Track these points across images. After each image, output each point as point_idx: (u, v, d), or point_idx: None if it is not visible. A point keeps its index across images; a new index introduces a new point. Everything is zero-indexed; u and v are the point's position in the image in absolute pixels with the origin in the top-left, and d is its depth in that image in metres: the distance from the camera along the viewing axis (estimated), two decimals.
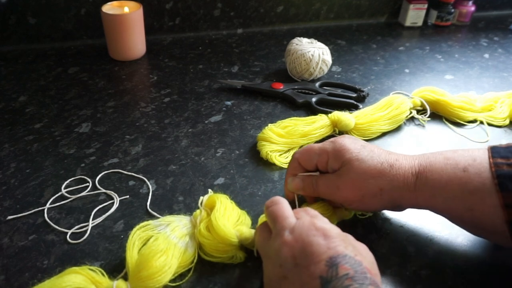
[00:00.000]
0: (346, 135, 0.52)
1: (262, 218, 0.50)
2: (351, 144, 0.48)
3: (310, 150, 0.50)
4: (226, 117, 0.71)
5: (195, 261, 0.46)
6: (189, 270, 0.46)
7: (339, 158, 0.48)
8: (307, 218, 0.41)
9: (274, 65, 0.87)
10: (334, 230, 0.39)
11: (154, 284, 0.42)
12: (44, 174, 0.58)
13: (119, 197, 0.55)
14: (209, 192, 0.53)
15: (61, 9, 0.86)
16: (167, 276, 0.43)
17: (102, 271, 0.44)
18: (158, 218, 0.51)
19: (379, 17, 1.09)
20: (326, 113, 0.68)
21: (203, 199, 0.51)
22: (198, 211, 0.49)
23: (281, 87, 0.76)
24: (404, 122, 0.71)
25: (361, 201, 0.47)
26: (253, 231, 0.47)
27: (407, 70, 0.88)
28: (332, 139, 0.51)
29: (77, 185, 0.56)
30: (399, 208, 0.49)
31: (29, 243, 0.48)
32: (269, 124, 0.66)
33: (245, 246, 0.48)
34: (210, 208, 0.49)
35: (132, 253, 0.44)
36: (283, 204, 0.44)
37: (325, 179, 0.49)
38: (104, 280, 0.43)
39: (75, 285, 0.41)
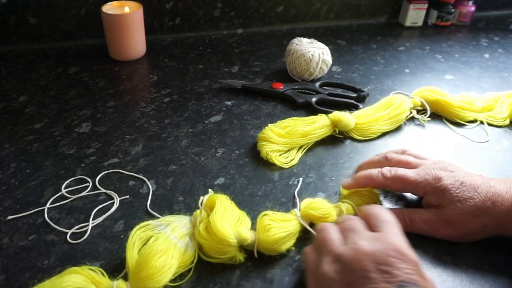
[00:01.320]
0: (437, 161, 0.52)
1: (262, 215, 0.50)
2: (449, 180, 0.48)
3: (405, 180, 0.50)
4: (226, 117, 0.71)
5: (195, 261, 0.46)
6: (189, 270, 0.46)
7: (438, 197, 0.48)
8: (355, 242, 0.40)
9: (274, 65, 0.87)
10: (384, 250, 0.39)
11: (154, 284, 0.42)
12: (44, 174, 0.58)
13: (119, 197, 0.55)
14: (210, 192, 0.53)
15: (61, 9, 0.86)
16: (167, 276, 0.43)
17: (102, 271, 0.44)
18: (158, 218, 0.52)
19: (379, 17, 1.09)
20: (326, 113, 0.68)
21: (203, 199, 0.50)
22: (198, 211, 0.49)
23: (281, 87, 0.76)
24: (404, 122, 0.71)
25: (463, 237, 0.49)
26: (252, 232, 0.47)
27: (407, 70, 0.88)
28: (423, 166, 0.51)
29: (77, 185, 0.56)
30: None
31: (29, 243, 0.48)
32: (269, 124, 0.66)
33: (244, 247, 0.48)
34: (210, 208, 0.49)
35: (132, 253, 0.44)
36: (330, 230, 0.44)
37: (423, 216, 0.49)
38: (104, 280, 0.43)
39: (75, 285, 0.41)
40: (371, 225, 0.43)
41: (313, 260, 0.42)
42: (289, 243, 0.48)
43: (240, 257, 0.47)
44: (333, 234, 0.43)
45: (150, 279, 0.42)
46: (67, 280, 0.41)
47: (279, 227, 0.47)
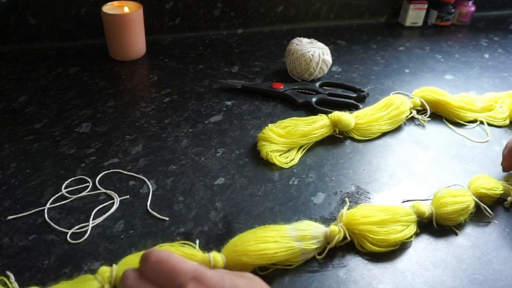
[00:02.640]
0: None
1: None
2: None
3: None
4: (226, 117, 0.71)
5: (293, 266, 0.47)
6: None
7: None
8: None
9: (274, 65, 0.87)
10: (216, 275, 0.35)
11: (247, 260, 0.44)
12: (44, 174, 0.58)
13: (119, 197, 0.55)
14: (346, 203, 0.54)
15: (61, 9, 0.86)
16: (264, 259, 0.45)
17: (194, 245, 0.46)
18: (158, 218, 0.52)
19: (379, 17, 1.09)
20: (326, 113, 0.68)
21: (342, 213, 0.50)
22: (336, 228, 0.49)
23: (281, 87, 0.76)
24: (404, 122, 0.71)
25: None
26: (429, 206, 0.52)
27: (407, 70, 0.88)
28: None
29: (77, 185, 0.56)
30: None
31: (29, 243, 0.48)
32: (269, 124, 0.66)
33: (423, 220, 0.53)
34: (349, 225, 0.49)
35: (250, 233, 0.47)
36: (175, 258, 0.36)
37: None
38: (198, 253, 0.45)
39: None
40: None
41: None
42: (465, 216, 0.52)
43: (416, 230, 0.51)
44: None
45: (245, 254, 0.44)
46: None
47: (455, 201, 0.52)
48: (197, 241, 0.49)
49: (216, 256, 0.44)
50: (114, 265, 0.43)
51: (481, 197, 0.55)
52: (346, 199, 0.56)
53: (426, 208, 0.52)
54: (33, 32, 0.87)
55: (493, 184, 0.56)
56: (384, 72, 0.87)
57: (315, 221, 0.51)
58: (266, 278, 0.46)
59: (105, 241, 0.49)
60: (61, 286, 0.42)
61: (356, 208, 0.52)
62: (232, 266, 0.44)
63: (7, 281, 0.43)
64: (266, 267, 0.46)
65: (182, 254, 0.44)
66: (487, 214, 0.54)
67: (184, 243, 0.47)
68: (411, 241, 0.51)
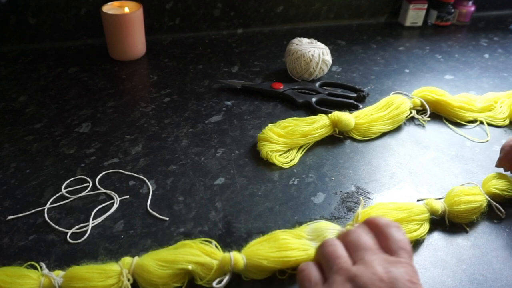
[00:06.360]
0: None
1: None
2: None
3: None
4: (226, 117, 0.71)
5: None
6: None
7: None
8: (370, 264, 0.38)
9: (274, 65, 0.87)
10: (400, 279, 0.37)
11: (268, 265, 0.44)
12: (44, 174, 0.58)
13: (119, 197, 0.55)
14: (361, 202, 0.55)
15: (61, 9, 0.86)
16: (284, 265, 0.45)
17: (216, 242, 0.46)
18: (158, 218, 0.52)
19: (379, 17, 1.09)
20: (326, 113, 0.68)
21: (358, 213, 0.51)
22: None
23: (281, 87, 0.76)
24: (404, 122, 0.71)
25: None
26: (442, 203, 0.52)
27: (407, 70, 0.88)
28: None
29: (77, 185, 0.56)
30: None
31: (29, 243, 0.48)
32: (269, 124, 0.66)
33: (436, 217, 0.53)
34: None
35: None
36: (338, 246, 0.41)
37: None
38: (218, 252, 0.45)
39: (192, 255, 0.43)
40: (384, 243, 0.40)
41: (315, 279, 0.39)
42: (477, 215, 0.53)
43: (428, 227, 0.51)
44: (342, 251, 0.40)
45: (266, 259, 0.44)
46: (184, 252, 0.44)
47: (468, 200, 0.52)
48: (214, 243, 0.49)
49: (237, 256, 0.44)
50: (136, 257, 0.44)
51: (493, 197, 0.55)
52: (361, 197, 0.56)
53: (439, 205, 0.52)
54: (33, 32, 0.87)
55: (508, 186, 0.55)
56: (384, 72, 0.87)
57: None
58: (268, 278, 0.46)
59: (105, 241, 0.49)
60: (85, 267, 0.43)
61: (371, 207, 0.52)
62: (252, 267, 0.45)
63: (39, 268, 0.44)
64: (284, 271, 0.46)
65: (202, 252, 0.45)
66: (499, 213, 0.54)
67: (206, 241, 0.47)
68: (423, 239, 0.51)
